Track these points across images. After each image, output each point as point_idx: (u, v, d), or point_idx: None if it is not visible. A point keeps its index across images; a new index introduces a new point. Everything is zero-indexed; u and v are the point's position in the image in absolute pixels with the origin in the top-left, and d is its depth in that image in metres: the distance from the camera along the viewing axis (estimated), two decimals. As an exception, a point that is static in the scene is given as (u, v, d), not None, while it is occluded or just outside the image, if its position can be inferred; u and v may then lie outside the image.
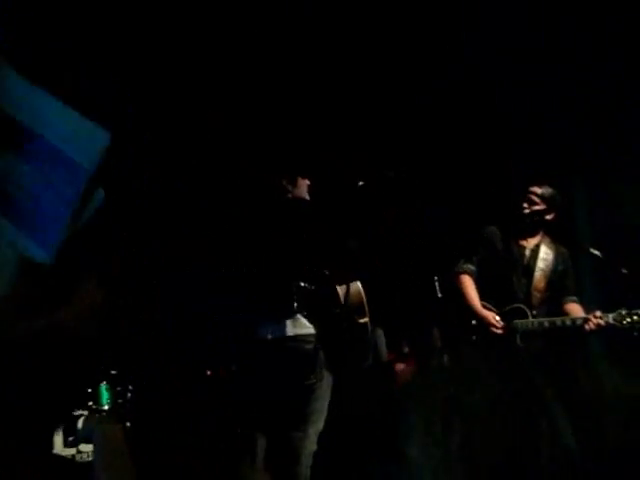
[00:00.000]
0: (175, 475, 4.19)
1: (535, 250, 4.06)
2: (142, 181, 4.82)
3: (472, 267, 4.11)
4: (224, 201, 4.79)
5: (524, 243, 4.08)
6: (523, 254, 4.05)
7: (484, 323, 3.88)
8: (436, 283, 4.14)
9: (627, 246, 4.74)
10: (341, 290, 3.73)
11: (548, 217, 4.04)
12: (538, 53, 4.84)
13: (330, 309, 3.58)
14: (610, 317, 3.72)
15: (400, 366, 4.74)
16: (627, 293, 3.81)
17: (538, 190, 4.04)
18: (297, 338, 3.71)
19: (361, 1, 4.65)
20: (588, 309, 3.90)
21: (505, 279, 4.00)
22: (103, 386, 4.26)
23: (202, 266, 4.91)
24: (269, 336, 4.03)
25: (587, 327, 3.72)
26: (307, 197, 3.79)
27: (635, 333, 3.72)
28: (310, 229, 3.66)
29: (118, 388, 4.32)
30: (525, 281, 3.98)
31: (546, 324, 3.81)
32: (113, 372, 4.33)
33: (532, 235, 4.09)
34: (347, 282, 3.69)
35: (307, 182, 3.78)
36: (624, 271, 3.90)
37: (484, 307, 3.95)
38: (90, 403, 4.19)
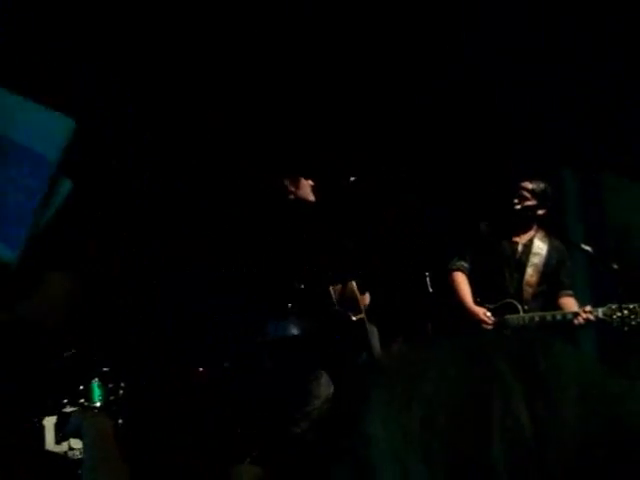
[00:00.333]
0: (168, 472, 4.19)
1: (528, 245, 4.06)
2: (142, 181, 4.81)
3: (465, 264, 4.12)
4: (224, 201, 4.80)
5: (517, 239, 4.09)
6: (515, 249, 4.06)
7: (475, 319, 3.89)
8: (427, 279, 4.15)
9: (618, 242, 4.76)
10: (336, 288, 3.75)
11: (540, 212, 4.04)
12: (537, 52, 4.85)
13: (326, 307, 3.60)
14: (600, 311, 3.72)
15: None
16: (618, 288, 3.81)
17: (529, 185, 4.04)
18: (295, 338, 3.73)
19: (361, 1, 4.65)
20: (579, 304, 3.92)
21: (497, 275, 4.01)
22: (95, 383, 4.25)
23: (202, 266, 4.92)
24: (269, 336, 4.06)
25: (577, 321, 3.72)
26: (311, 197, 3.81)
27: (625, 328, 3.73)
28: (309, 229, 3.68)
29: (110, 385, 4.31)
30: (517, 276, 3.99)
31: (537, 319, 3.82)
32: (105, 369, 4.33)
33: (525, 230, 4.09)
34: (345, 281, 3.71)
35: (310, 182, 3.80)
36: (615, 267, 3.90)
37: (477, 303, 3.96)
38: (82, 400, 4.18)
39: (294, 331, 3.67)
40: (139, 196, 4.83)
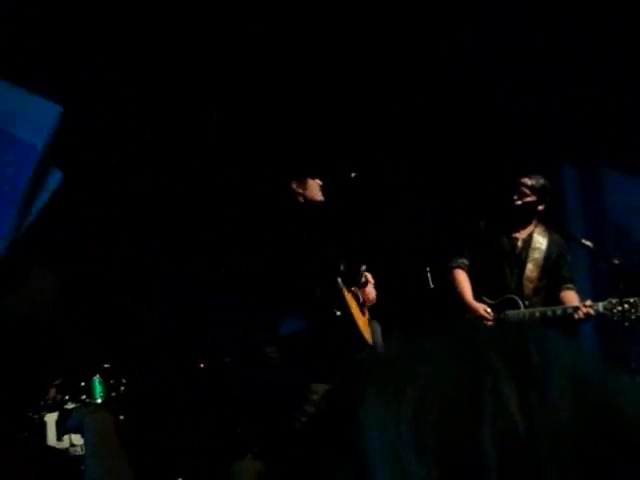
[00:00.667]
0: (169, 468, 4.20)
1: (527, 240, 4.06)
2: (142, 181, 4.81)
3: (465, 261, 4.11)
4: (226, 202, 4.80)
5: (516, 234, 4.08)
6: (515, 245, 4.06)
7: (476, 315, 3.89)
8: (428, 274, 4.15)
9: (618, 236, 4.77)
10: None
11: (539, 208, 4.04)
12: (536, 52, 4.85)
13: (327, 307, 3.61)
14: (600, 306, 3.72)
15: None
16: (618, 283, 3.82)
17: (528, 181, 4.03)
18: (295, 336, 3.75)
19: (361, 1, 4.64)
20: (580, 299, 3.92)
21: (497, 271, 4.01)
22: (96, 379, 4.25)
23: (202, 264, 4.93)
24: (269, 335, 4.08)
25: (577, 316, 3.72)
26: (319, 197, 3.82)
27: (626, 323, 3.73)
28: (310, 230, 3.69)
29: (111, 381, 4.31)
30: (517, 271, 3.99)
31: (537, 314, 3.82)
32: (106, 365, 4.33)
33: (524, 226, 4.09)
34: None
35: (318, 182, 3.81)
36: (615, 261, 3.91)
37: (478, 299, 3.97)
38: (83, 396, 4.18)
39: (298, 327, 3.69)
40: (139, 196, 4.83)
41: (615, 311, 3.68)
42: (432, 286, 4.09)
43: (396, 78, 5.05)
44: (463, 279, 4.07)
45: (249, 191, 4.54)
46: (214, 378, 4.78)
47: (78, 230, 4.49)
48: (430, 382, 0.44)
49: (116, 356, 4.45)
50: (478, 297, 3.98)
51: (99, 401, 4.38)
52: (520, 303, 3.89)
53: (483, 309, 3.90)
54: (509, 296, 3.91)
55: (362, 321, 3.80)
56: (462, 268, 4.11)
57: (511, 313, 3.88)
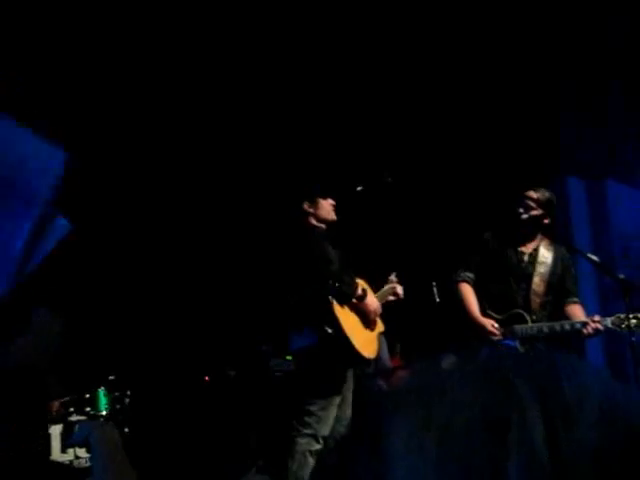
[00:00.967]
0: (174, 478, 4.18)
1: (533, 254, 4.04)
2: (150, 198, 4.83)
3: (470, 275, 4.08)
4: (234, 217, 4.82)
5: (522, 248, 4.06)
6: (521, 259, 4.03)
7: (483, 331, 3.87)
8: (434, 289, 4.14)
9: (624, 250, 4.75)
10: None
11: (545, 221, 4.02)
12: (543, 63, 4.86)
13: (317, 325, 3.63)
14: (609, 321, 3.70)
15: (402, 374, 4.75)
16: (624, 297, 3.80)
17: (534, 195, 4.01)
18: (300, 352, 3.75)
19: (362, 3, 4.67)
20: (586, 313, 3.90)
21: (504, 285, 3.98)
22: (101, 391, 4.24)
23: (209, 279, 4.93)
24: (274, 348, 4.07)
25: (586, 331, 3.70)
26: (332, 216, 3.84)
27: (633, 338, 3.71)
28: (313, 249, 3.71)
29: (116, 393, 4.30)
30: (524, 286, 3.96)
31: (545, 329, 3.79)
32: (111, 377, 4.32)
33: (530, 240, 4.06)
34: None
35: (331, 202, 3.83)
36: (621, 276, 3.89)
37: (485, 314, 3.94)
38: (88, 409, 4.17)
39: (304, 343, 3.69)
40: (149, 210, 4.85)
41: (623, 326, 3.66)
42: (438, 300, 4.08)
43: (403, 96, 5.07)
44: (469, 293, 4.04)
45: (259, 210, 4.57)
46: (219, 391, 4.78)
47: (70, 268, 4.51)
48: (457, 410, 0.44)
49: (121, 369, 4.45)
50: (484, 311, 3.95)
51: (104, 413, 4.37)
52: (527, 318, 3.87)
53: (490, 325, 3.87)
54: (516, 311, 3.89)
55: (363, 336, 3.76)
56: (467, 282, 4.08)
57: (519, 328, 3.85)
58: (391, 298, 4.06)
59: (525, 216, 4.00)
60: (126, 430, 4.17)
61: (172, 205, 4.85)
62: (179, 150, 4.83)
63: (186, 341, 4.86)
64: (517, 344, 3.79)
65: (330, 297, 3.60)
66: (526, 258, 4.03)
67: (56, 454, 4.00)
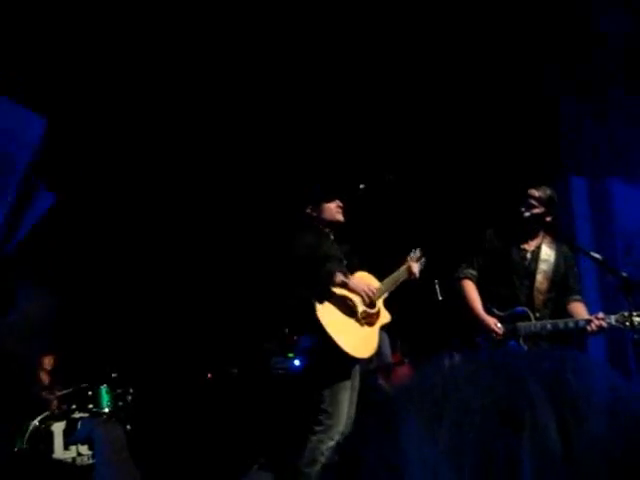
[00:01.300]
0: (176, 476, 4.19)
1: (536, 252, 4.03)
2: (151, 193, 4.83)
3: (473, 272, 4.08)
4: (238, 219, 4.83)
5: (525, 246, 4.06)
6: (524, 257, 4.03)
7: (486, 328, 3.87)
8: (437, 286, 4.14)
9: (627, 248, 4.75)
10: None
11: (547, 219, 4.02)
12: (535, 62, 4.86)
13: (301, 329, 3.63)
14: (612, 318, 3.70)
15: (403, 370, 4.75)
16: (627, 296, 3.79)
17: (536, 193, 4.01)
18: (301, 351, 3.76)
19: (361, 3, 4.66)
20: (589, 311, 3.90)
21: (507, 282, 3.98)
22: (103, 389, 4.24)
23: (212, 278, 4.94)
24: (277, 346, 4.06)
25: (590, 328, 3.70)
26: (338, 217, 3.84)
27: (636, 336, 3.71)
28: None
29: (119, 390, 4.31)
30: (527, 283, 3.96)
31: (549, 326, 3.79)
32: (113, 375, 4.32)
33: (532, 237, 4.06)
34: None
35: (337, 203, 3.83)
36: (624, 274, 3.89)
37: (488, 311, 3.94)
38: (90, 406, 4.18)
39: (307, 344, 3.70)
40: (151, 207, 4.85)
41: (627, 324, 3.65)
42: (441, 298, 4.08)
43: (406, 97, 5.07)
44: (472, 290, 4.04)
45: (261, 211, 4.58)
46: (221, 388, 4.78)
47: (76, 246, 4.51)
48: (469, 404, 0.44)
49: (123, 366, 4.45)
50: (487, 309, 3.95)
51: (106, 410, 4.38)
52: (531, 315, 3.87)
53: (493, 322, 3.87)
54: (520, 308, 3.89)
55: (358, 334, 3.70)
56: (470, 279, 4.08)
57: (522, 325, 3.85)
58: (405, 278, 3.99)
59: (527, 214, 4.00)
60: (128, 427, 4.17)
61: (171, 198, 4.85)
62: (171, 129, 4.82)
63: (188, 339, 4.86)
64: (521, 344, 3.79)
65: (313, 300, 3.56)
66: (529, 256, 4.03)
67: (59, 451, 4.01)
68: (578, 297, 3.98)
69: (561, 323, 3.78)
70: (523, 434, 0.42)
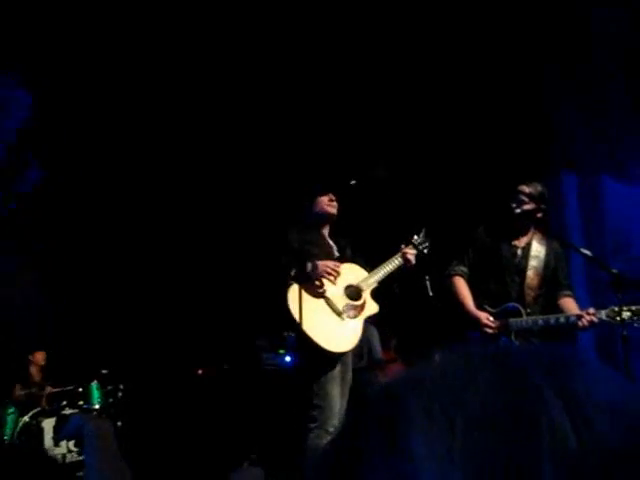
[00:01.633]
0: (167, 473, 4.18)
1: (526, 248, 4.05)
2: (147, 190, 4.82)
3: (464, 269, 4.09)
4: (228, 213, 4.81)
5: (516, 242, 4.07)
6: (515, 253, 4.04)
7: (478, 323, 3.87)
8: (427, 282, 4.14)
9: (617, 244, 4.77)
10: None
11: (538, 215, 4.03)
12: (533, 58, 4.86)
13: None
14: (603, 313, 3.71)
15: (396, 366, 4.75)
16: (617, 292, 3.81)
17: (526, 189, 4.01)
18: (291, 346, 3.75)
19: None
20: (578, 306, 3.91)
21: (498, 279, 3.99)
22: (94, 385, 4.23)
23: (202, 273, 4.92)
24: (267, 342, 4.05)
25: (581, 324, 3.71)
26: (330, 210, 3.82)
27: (625, 332, 3.73)
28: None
29: (109, 387, 4.29)
30: (518, 280, 3.97)
31: (540, 322, 3.81)
32: (104, 371, 4.31)
33: (523, 234, 4.07)
34: None
35: (329, 196, 3.80)
36: (614, 271, 3.90)
37: (479, 307, 3.95)
38: (81, 402, 4.16)
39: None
40: (142, 203, 4.83)
41: (618, 318, 3.67)
42: (431, 294, 4.08)
43: (388, 81, 5.07)
44: (463, 286, 4.05)
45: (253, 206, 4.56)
46: (212, 384, 4.77)
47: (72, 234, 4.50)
48: (481, 409, 0.43)
49: (114, 362, 4.43)
50: (479, 305, 3.97)
51: (97, 407, 4.36)
52: (522, 311, 3.88)
53: (485, 317, 3.88)
54: (511, 304, 3.90)
55: (337, 329, 3.62)
56: (461, 276, 4.08)
57: (514, 321, 3.86)
58: (398, 266, 3.89)
59: (518, 210, 4.01)
60: (119, 423, 4.16)
61: (163, 188, 4.84)
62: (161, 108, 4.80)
63: (180, 335, 4.85)
64: (513, 340, 3.80)
65: (285, 294, 3.53)
66: (519, 252, 4.04)
67: (49, 448, 4.00)
68: (569, 292, 4.00)
69: (552, 319, 3.80)
70: (542, 437, 0.41)
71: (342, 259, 3.84)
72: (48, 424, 3.99)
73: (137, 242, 4.79)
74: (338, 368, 3.65)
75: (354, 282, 3.79)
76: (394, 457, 0.44)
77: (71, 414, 3.98)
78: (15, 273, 3.59)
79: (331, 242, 3.93)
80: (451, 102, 5.12)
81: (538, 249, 4.05)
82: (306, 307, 3.54)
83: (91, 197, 4.66)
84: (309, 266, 3.59)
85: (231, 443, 4.40)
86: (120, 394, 4.37)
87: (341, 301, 3.70)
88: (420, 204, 5.18)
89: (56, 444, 3.90)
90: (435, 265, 4.21)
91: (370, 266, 3.91)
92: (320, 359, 3.55)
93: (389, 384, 0.50)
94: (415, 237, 4.07)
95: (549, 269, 4.01)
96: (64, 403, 4.13)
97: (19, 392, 4.13)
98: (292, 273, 3.57)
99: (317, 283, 3.63)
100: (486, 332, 3.84)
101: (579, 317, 3.72)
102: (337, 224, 3.93)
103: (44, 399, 4.20)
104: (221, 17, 4.65)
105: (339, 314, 3.67)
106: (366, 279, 3.83)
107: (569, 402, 0.43)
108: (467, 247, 4.15)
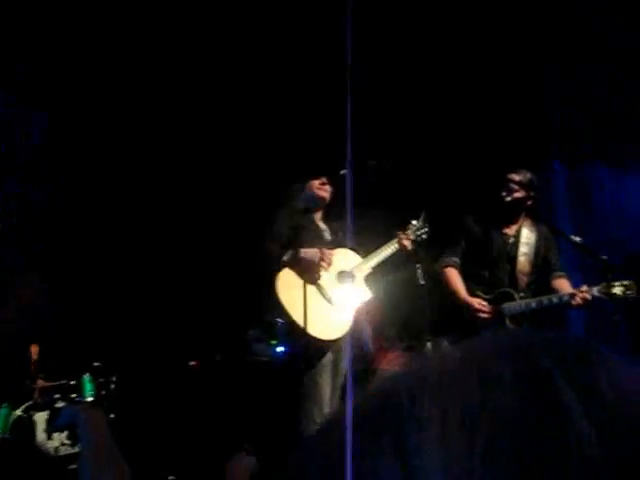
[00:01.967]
0: (161, 467, 4.18)
1: (517, 236, 4.09)
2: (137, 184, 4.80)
3: (456, 259, 4.12)
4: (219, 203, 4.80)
5: (506, 230, 4.11)
6: (505, 241, 4.08)
7: (472, 310, 3.90)
8: (418, 271, 4.15)
9: (604, 232, 4.80)
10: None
11: (528, 203, 4.07)
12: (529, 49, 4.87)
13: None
14: (595, 290, 3.75)
15: (390, 355, 4.76)
16: (606, 278, 3.84)
17: (516, 177, 4.05)
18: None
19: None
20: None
21: (490, 267, 4.02)
22: (86, 377, 4.21)
23: (192, 264, 4.91)
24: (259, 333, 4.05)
25: (574, 302, 3.75)
26: (321, 193, 3.79)
27: (615, 317, 3.77)
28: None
29: (101, 379, 4.27)
30: (509, 268, 4.01)
31: (533, 304, 3.84)
32: (96, 364, 4.29)
33: (513, 221, 4.11)
34: None
35: (320, 180, 3.76)
36: (604, 257, 3.94)
37: (472, 295, 3.97)
38: (73, 395, 4.14)
39: None
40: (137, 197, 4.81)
41: (611, 293, 3.70)
42: (422, 282, 4.09)
43: (384, 75, 5.07)
44: (455, 276, 4.08)
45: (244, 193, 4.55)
46: (205, 376, 4.77)
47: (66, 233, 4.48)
48: (499, 412, 0.42)
49: (106, 355, 4.42)
50: (472, 293, 4.00)
51: (89, 399, 4.34)
52: (515, 295, 3.92)
53: (478, 302, 3.92)
54: (503, 290, 3.93)
55: (327, 314, 3.57)
56: (453, 266, 4.11)
57: (507, 306, 3.90)
58: (394, 251, 3.85)
59: (508, 198, 4.05)
60: (112, 416, 4.15)
61: (156, 186, 4.82)
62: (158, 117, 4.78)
63: (171, 327, 4.84)
64: (507, 325, 3.83)
65: (273, 282, 3.50)
66: (511, 240, 4.08)
67: (41, 441, 3.98)
68: (561, 273, 4.05)
69: (545, 300, 3.83)
70: (569, 437, 0.41)
71: (335, 244, 3.81)
72: (40, 417, 3.97)
73: (127, 235, 4.77)
74: (329, 357, 3.62)
75: (347, 268, 3.74)
76: (406, 453, 0.42)
77: (63, 407, 3.96)
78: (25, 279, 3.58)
79: (324, 226, 3.89)
80: (451, 102, 5.13)
81: (528, 236, 4.09)
82: (296, 294, 3.50)
83: (77, 188, 4.63)
84: (300, 252, 3.53)
85: (224, 434, 4.41)
86: (112, 386, 4.35)
87: (333, 287, 3.66)
88: (410, 193, 5.19)
89: (49, 437, 3.88)
90: (426, 253, 4.22)
91: (364, 252, 3.89)
92: (310, 348, 3.52)
93: (398, 378, 0.48)
94: (413, 222, 4.04)
95: (540, 255, 4.06)
96: (57, 396, 4.11)
97: (43, 384, 4.12)
98: (283, 259, 3.53)
99: (308, 269, 3.56)
100: (480, 318, 3.87)
101: (572, 295, 3.76)
102: (332, 209, 3.89)
103: (36, 392, 4.18)
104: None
105: (330, 301, 3.62)
106: (360, 265, 3.78)
107: (592, 403, 0.42)
108: (457, 237, 4.18)
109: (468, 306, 3.93)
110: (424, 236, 3.99)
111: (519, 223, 4.11)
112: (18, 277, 3.43)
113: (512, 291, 3.93)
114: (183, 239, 4.87)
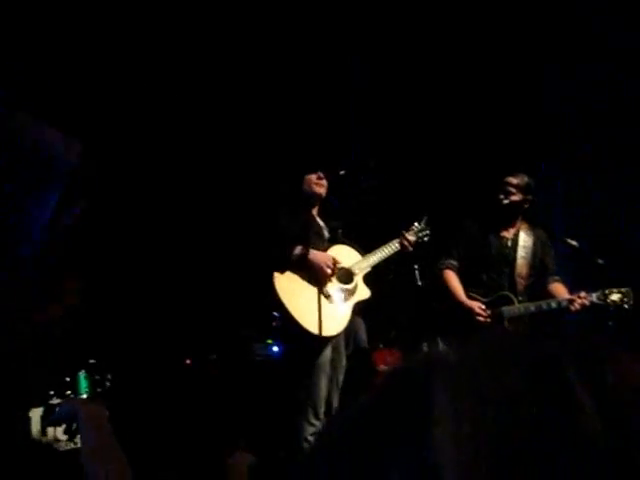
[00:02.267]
0: (159, 463, 4.16)
1: (514, 239, 4.11)
2: (140, 184, 4.78)
3: (454, 262, 4.13)
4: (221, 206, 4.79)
5: (504, 233, 4.12)
6: (503, 244, 4.10)
7: (471, 313, 3.91)
8: (416, 272, 4.16)
9: (600, 235, 4.83)
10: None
11: (525, 206, 4.09)
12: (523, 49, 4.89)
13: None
14: (594, 296, 3.78)
15: (387, 355, 4.76)
16: (603, 282, 3.87)
17: (513, 180, 4.07)
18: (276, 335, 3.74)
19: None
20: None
21: (488, 270, 4.04)
22: (81, 375, 4.19)
23: (189, 263, 4.90)
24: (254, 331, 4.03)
25: (573, 308, 3.78)
26: (317, 190, 3.77)
27: (611, 323, 3.80)
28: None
29: (97, 377, 4.25)
30: (508, 271, 4.03)
31: (532, 308, 3.86)
32: (92, 361, 4.28)
33: (511, 225, 4.13)
34: None
35: (317, 175, 3.73)
36: (600, 261, 3.96)
37: (471, 298, 3.98)
38: (68, 392, 4.12)
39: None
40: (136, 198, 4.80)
41: (609, 301, 3.73)
42: (420, 283, 4.10)
43: (380, 75, 5.08)
44: (453, 279, 4.09)
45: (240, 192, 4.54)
46: (200, 374, 4.76)
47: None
48: (512, 408, 0.42)
49: (102, 352, 4.41)
50: (470, 296, 4.01)
51: (84, 396, 4.32)
52: (514, 299, 3.93)
53: (477, 306, 3.93)
54: (502, 293, 3.95)
55: (324, 311, 3.52)
56: (451, 269, 4.12)
57: (506, 309, 3.91)
58: (395, 251, 3.82)
59: (506, 202, 4.07)
60: (107, 414, 4.13)
61: (154, 187, 4.81)
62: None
63: (167, 324, 4.83)
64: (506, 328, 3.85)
65: (271, 279, 3.46)
66: (507, 243, 4.10)
67: (36, 437, 3.96)
68: (557, 277, 4.07)
69: (544, 304, 3.85)
70: (581, 433, 0.41)
71: (333, 241, 3.80)
72: (35, 414, 3.95)
73: (123, 232, 4.75)
74: (327, 355, 3.59)
75: (346, 265, 3.72)
76: (421, 451, 0.41)
77: (58, 404, 3.94)
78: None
79: (321, 223, 3.89)
80: (451, 102, 5.15)
81: (526, 239, 4.11)
82: (294, 289, 3.49)
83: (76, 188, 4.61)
84: (310, 255, 3.51)
85: (221, 431, 4.40)
86: (108, 384, 4.33)
87: (332, 284, 3.63)
88: (407, 196, 5.20)
89: (44, 433, 3.86)
90: (424, 254, 4.23)
91: (363, 250, 3.88)
92: (307, 345, 3.49)
93: (412, 370, 0.48)
94: (415, 224, 4.06)
95: (537, 258, 4.08)
96: (52, 393, 4.09)
97: None
98: (293, 254, 3.50)
99: (315, 274, 3.55)
100: (479, 321, 3.88)
101: (571, 301, 3.78)
102: (329, 208, 3.88)
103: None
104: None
105: (328, 297, 3.59)
106: (359, 262, 3.76)
107: (604, 401, 0.42)
108: (455, 240, 4.19)
109: (467, 308, 3.94)
110: (425, 238, 4.00)
111: (517, 226, 4.14)
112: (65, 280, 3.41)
113: (510, 294, 3.95)
114: (181, 237, 4.86)
